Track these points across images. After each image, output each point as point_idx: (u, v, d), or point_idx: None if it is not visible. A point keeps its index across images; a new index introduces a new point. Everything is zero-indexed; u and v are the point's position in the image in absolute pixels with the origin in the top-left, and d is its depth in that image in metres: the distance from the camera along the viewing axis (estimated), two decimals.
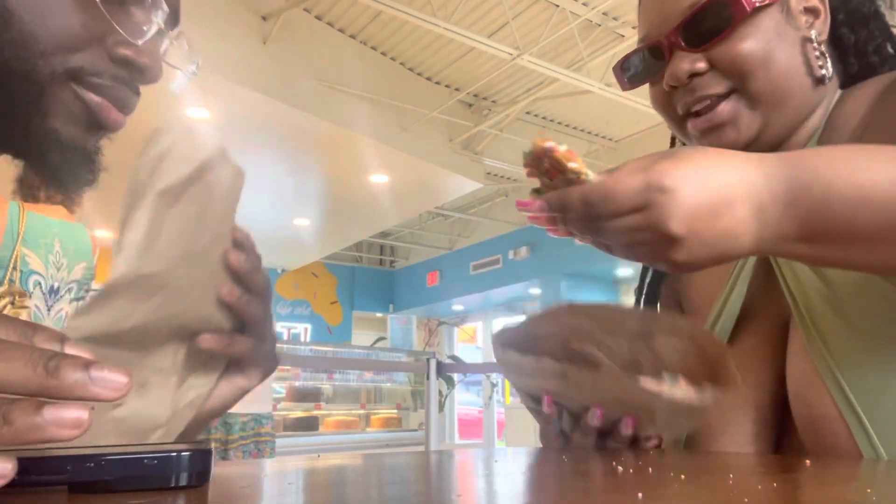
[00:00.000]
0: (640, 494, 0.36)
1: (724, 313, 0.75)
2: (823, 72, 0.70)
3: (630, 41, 5.77)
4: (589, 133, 8.26)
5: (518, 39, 5.51)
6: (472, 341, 12.36)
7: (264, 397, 3.31)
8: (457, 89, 6.98)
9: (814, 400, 0.62)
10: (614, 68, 0.80)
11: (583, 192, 0.52)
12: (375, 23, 6.01)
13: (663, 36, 0.72)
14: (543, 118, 7.89)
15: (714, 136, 0.71)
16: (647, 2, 0.76)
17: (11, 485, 0.32)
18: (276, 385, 7.45)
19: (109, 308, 0.47)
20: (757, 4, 0.67)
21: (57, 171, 0.55)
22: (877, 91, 0.69)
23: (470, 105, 7.37)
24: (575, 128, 8.14)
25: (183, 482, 0.37)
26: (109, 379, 0.32)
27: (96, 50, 0.53)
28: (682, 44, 0.70)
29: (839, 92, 0.74)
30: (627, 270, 8.79)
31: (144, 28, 0.55)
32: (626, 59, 0.78)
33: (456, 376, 9.56)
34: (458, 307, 11.86)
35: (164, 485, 0.37)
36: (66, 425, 0.30)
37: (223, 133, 5.62)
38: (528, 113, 7.60)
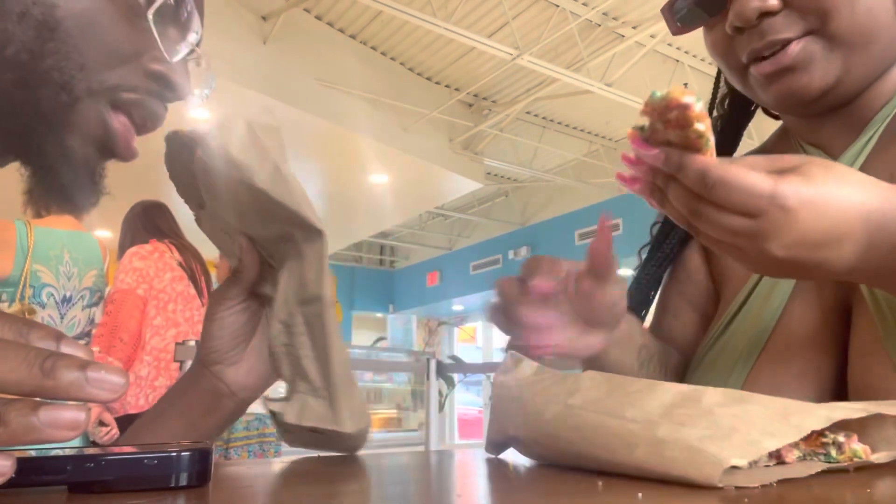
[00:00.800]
0: (639, 494, 0.36)
1: (774, 293, 0.67)
2: None
3: (630, 41, 5.77)
4: (589, 133, 8.26)
5: (518, 39, 5.51)
6: (472, 341, 12.35)
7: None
8: (457, 89, 6.98)
9: (883, 393, 0.56)
10: (663, 9, 0.70)
11: (705, 166, 0.47)
12: (375, 23, 6.01)
13: None
14: (543, 118, 7.88)
15: (782, 81, 0.62)
16: None
17: (11, 485, 0.32)
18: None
19: None
20: None
21: (63, 189, 0.55)
22: None
23: (470, 105, 7.37)
24: (575, 128, 8.14)
25: (183, 482, 0.37)
26: (106, 379, 0.32)
27: (133, 65, 0.54)
28: None
29: None
30: (627, 271, 8.77)
31: (179, 46, 0.56)
32: None
33: (456, 376, 9.54)
34: (458, 307, 11.85)
35: (164, 485, 0.37)
36: (62, 427, 0.30)
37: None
38: (528, 113, 7.60)
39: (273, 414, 0.58)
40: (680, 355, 0.78)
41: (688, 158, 0.47)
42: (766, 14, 0.60)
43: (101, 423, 2.50)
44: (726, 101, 0.82)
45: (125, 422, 2.54)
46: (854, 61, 0.61)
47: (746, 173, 0.46)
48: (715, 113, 0.82)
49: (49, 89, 0.50)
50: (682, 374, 0.76)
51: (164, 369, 2.64)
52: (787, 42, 0.61)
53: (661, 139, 0.49)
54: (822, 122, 0.68)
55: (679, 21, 0.69)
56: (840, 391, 0.63)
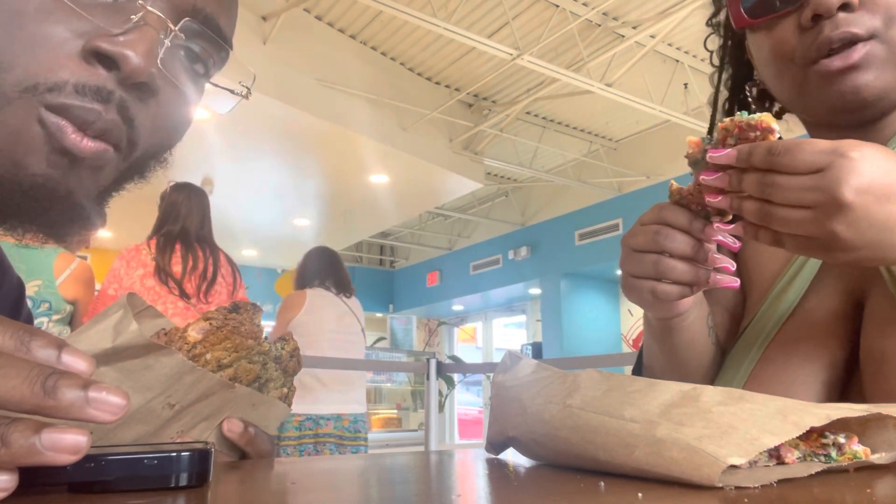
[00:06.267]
0: (639, 494, 0.36)
1: (794, 283, 0.72)
2: None
3: (630, 41, 5.77)
4: (589, 133, 8.26)
5: (518, 39, 5.51)
6: (472, 341, 12.35)
7: (323, 399, 3.39)
8: (457, 89, 6.98)
9: None
10: (730, 1, 0.75)
11: (771, 143, 0.54)
12: (375, 23, 6.01)
13: None
14: (543, 118, 7.88)
15: (847, 78, 0.67)
16: None
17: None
18: None
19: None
20: None
21: (25, 216, 0.46)
22: None
23: (470, 105, 7.36)
24: (575, 128, 8.14)
25: (183, 482, 0.37)
26: (107, 401, 0.31)
27: (60, 53, 0.44)
28: None
29: None
30: None
31: (130, 18, 0.46)
32: None
33: (456, 376, 9.55)
34: (458, 307, 11.85)
35: (164, 485, 0.37)
36: (63, 450, 0.30)
37: (223, 133, 5.62)
38: (528, 113, 7.60)
39: None
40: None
41: (756, 144, 0.55)
42: (846, 7, 0.65)
43: None
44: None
45: None
46: None
47: (808, 140, 0.53)
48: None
49: None
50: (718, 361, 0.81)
51: None
52: (854, 40, 0.65)
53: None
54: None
55: (748, 12, 0.72)
56: (849, 371, 0.67)
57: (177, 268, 2.79)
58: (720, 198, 0.58)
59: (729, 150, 0.56)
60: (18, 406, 0.30)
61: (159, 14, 0.47)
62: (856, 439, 0.45)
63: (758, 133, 0.55)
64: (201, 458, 0.38)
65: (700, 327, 0.75)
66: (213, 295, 2.87)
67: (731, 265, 0.64)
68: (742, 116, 0.56)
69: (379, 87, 6.20)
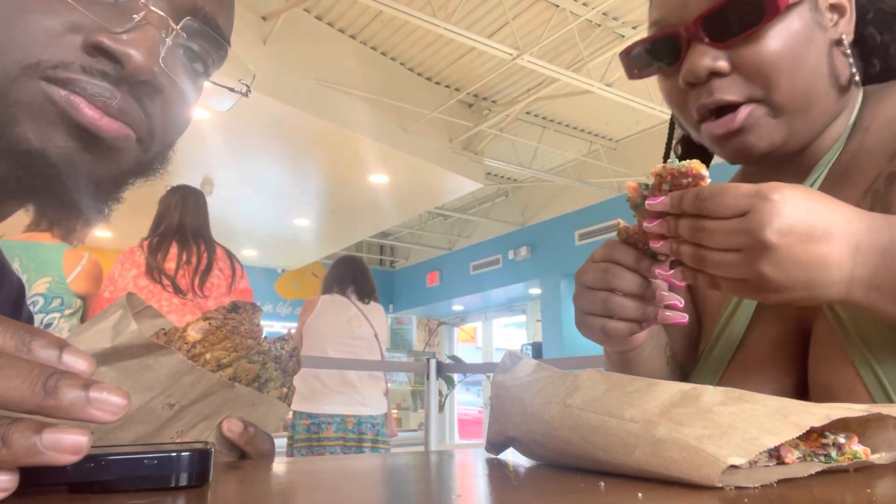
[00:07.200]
0: (639, 494, 0.36)
1: (739, 309, 0.74)
2: (849, 74, 0.68)
3: (630, 41, 5.77)
4: (589, 133, 8.25)
5: (518, 39, 5.51)
6: (472, 341, 12.34)
7: (325, 400, 3.47)
8: (457, 89, 6.98)
9: (845, 393, 0.61)
10: (621, 54, 0.76)
11: (699, 189, 0.56)
12: (375, 23, 6.00)
13: (682, 26, 0.66)
14: (543, 118, 7.88)
15: (731, 142, 0.68)
16: None
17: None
18: None
19: None
20: (790, 1, 0.63)
21: (40, 193, 0.47)
22: None
23: (470, 105, 7.36)
24: (575, 128, 8.14)
25: (183, 482, 0.37)
26: (108, 401, 0.31)
27: (62, 42, 0.45)
28: (704, 37, 0.65)
29: (861, 90, 0.72)
30: None
31: (133, 17, 0.47)
32: (636, 45, 0.73)
33: (456, 376, 9.55)
34: (458, 307, 11.84)
35: (164, 485, 0.37)
36: (63, 450, 0.30)
37: (223, 133, 5.62)
38: (528, 113, 7.60)
39: None
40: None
41: (686, 191, 0.56)
42: (716, 74, 0.65)
43: None
44: (678, 146, 0.88)
45: None
46: (797, 125, 0.67)
47: (732, 184, 0.54)
48: (672, 155, 0.88)
49: None
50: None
51: None
52: (731, 105, 0.66)
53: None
54: (772, 169, 0.74)
55: (636, 68, 0.74)
56: (801, 398, 0.68)
57: (170, 264, 2.78)
58: (661, 243, 0.60)
59: (664, 197, 0.58)
60: (19, 406, 0.30)
61: (161, 13, 0.49)
62: (856, 439, 0.45)
63: (689, 179, 0.57)
64: (201, 458, 0.38)
65: (657, 359, 0.76)
66: (209, 288, 2.85)
67: (680, 302, 0.66)
68: (674, 164, 0.57)
69: (379, 87, 6.20)
